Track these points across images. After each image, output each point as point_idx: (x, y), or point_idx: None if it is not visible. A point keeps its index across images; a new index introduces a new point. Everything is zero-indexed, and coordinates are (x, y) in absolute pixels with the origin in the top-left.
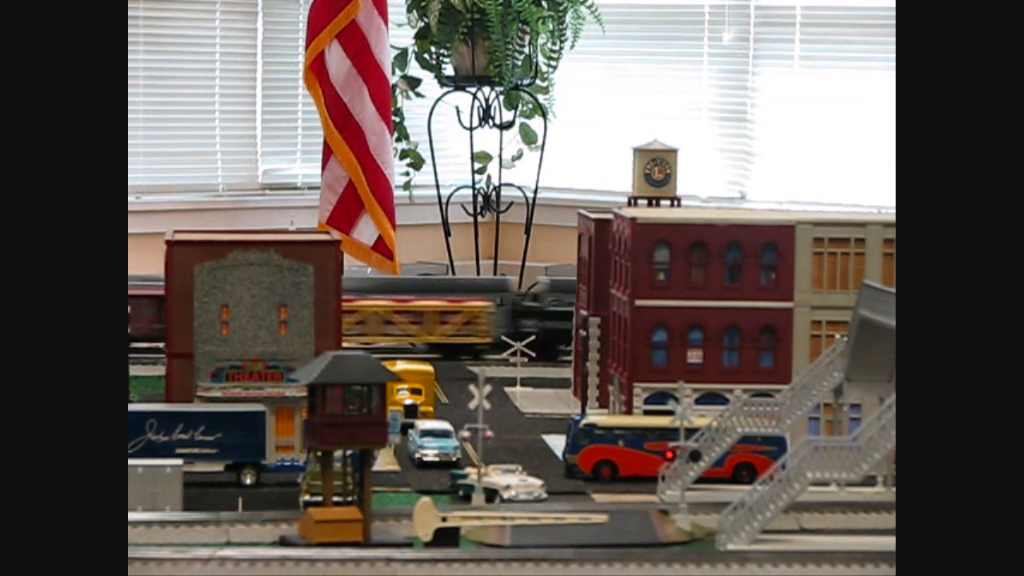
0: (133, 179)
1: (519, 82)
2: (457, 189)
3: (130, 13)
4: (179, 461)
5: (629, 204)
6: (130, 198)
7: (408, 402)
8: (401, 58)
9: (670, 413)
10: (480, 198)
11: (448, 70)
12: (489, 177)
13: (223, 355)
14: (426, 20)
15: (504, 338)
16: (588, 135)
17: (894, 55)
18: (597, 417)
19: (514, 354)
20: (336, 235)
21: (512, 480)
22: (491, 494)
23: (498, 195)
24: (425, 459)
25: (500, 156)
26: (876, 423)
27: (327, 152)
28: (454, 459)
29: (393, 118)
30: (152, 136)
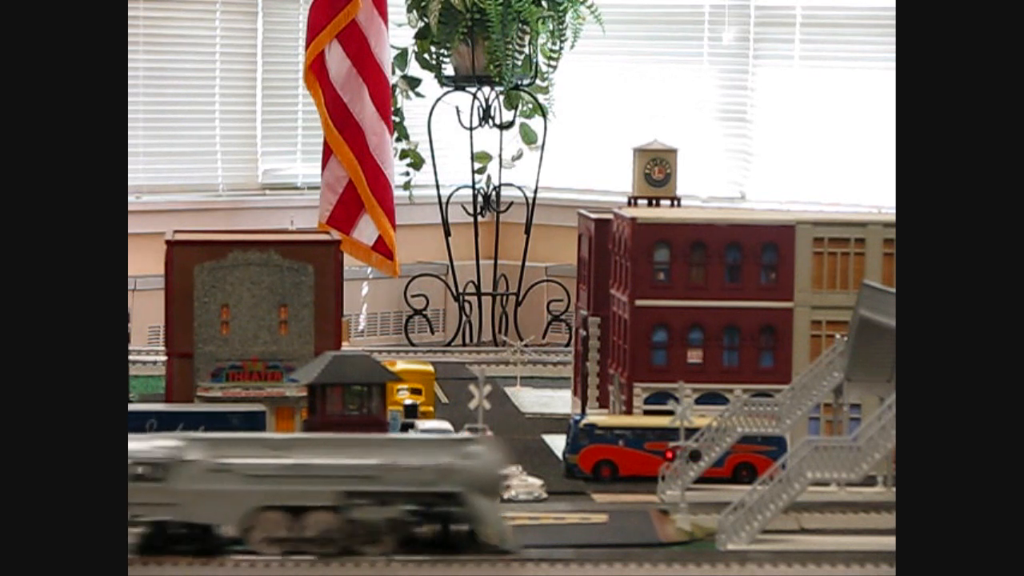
0: (133, 179)
1: (519, 82)
2: (457, 189)
3: (130, 13)
4: None
5: (629, 204)
6: (130, 198)
7: (408, 402)
8: (401, 58)
9: (670, 413)
10: (480, 198)
11: (448, 70)
12: (489, 177)
13: (223, 355)
14: (426, 20)
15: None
16: (588, 135)
17: (894, 55)
18: (597, 417)
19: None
20: (336, 235)
21: (512, 480)
22: None
23: (498, 195)
24: None
25: (500, 156)
26: (876, 423)
27: (327, 152)
28: None
29: (393, 118)
30: (152, 136)
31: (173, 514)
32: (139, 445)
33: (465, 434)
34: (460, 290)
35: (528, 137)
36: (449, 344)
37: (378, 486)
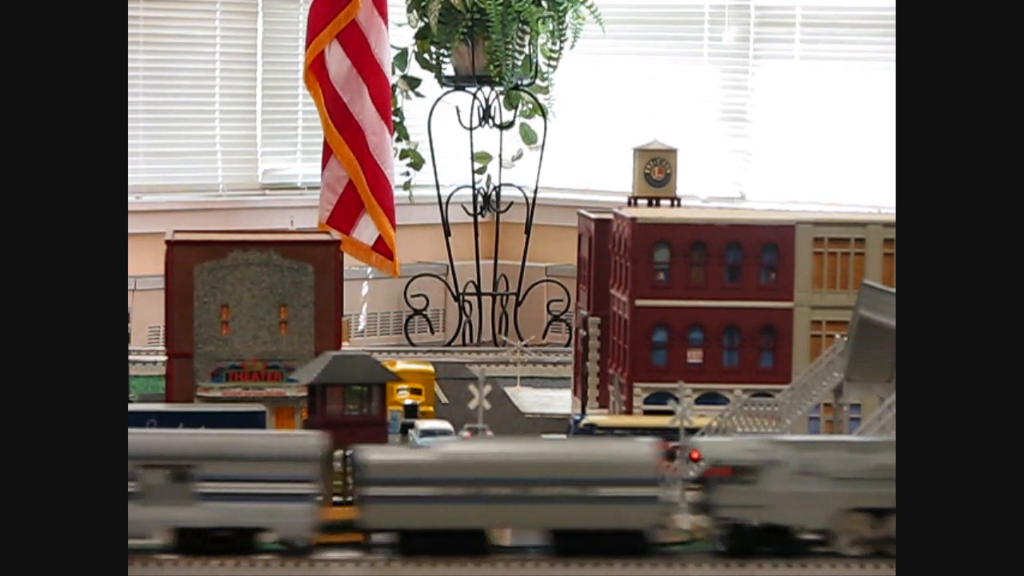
0: (133, 179)
1: (519, 82)
2: (457, 189)
3: (130, 13)
4: None
5: (629, 204)
6: (130, 198)
7: (408, 402)
8: (401, 58)
9: (670, 413)
10: (480, 198)
11: (448, 70)
12: (489, 177)
13: (223, 355)
14: (426, 20)
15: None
16: (588, 135)
17: (894, 55)
18: (597, 417)
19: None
20: (336, 235)
21: None
22: None
23: (498, 195)
24: None
25: (500, 156)
26: (876, 423)
27: (327, 152)
28: None
29: (393, 118)
30: (152, 136)
31: (761, 516)
32: (723, 449)
33: None
34: (460, 290)
35: (528, 137)
36: (449, 344)
37: None
